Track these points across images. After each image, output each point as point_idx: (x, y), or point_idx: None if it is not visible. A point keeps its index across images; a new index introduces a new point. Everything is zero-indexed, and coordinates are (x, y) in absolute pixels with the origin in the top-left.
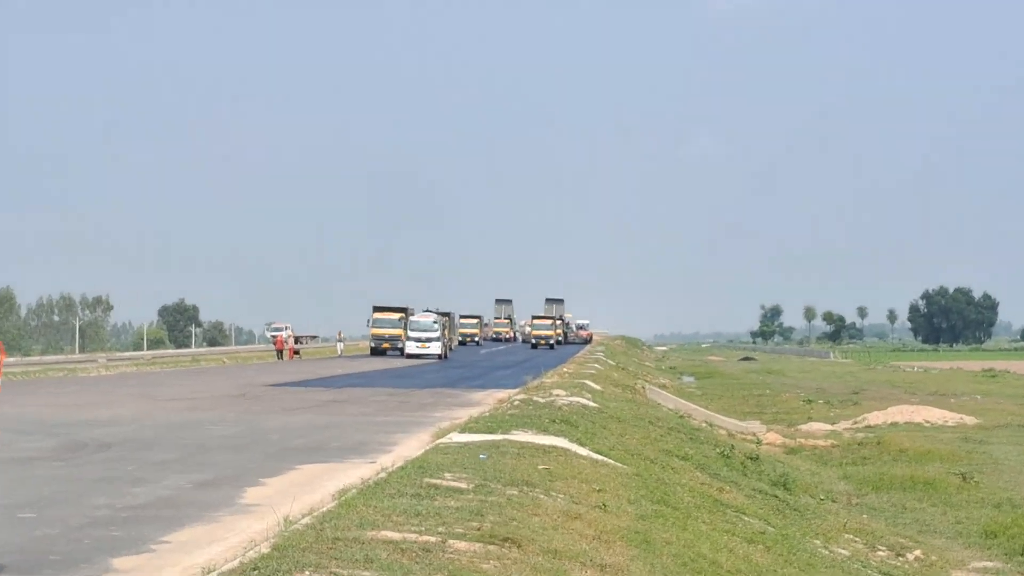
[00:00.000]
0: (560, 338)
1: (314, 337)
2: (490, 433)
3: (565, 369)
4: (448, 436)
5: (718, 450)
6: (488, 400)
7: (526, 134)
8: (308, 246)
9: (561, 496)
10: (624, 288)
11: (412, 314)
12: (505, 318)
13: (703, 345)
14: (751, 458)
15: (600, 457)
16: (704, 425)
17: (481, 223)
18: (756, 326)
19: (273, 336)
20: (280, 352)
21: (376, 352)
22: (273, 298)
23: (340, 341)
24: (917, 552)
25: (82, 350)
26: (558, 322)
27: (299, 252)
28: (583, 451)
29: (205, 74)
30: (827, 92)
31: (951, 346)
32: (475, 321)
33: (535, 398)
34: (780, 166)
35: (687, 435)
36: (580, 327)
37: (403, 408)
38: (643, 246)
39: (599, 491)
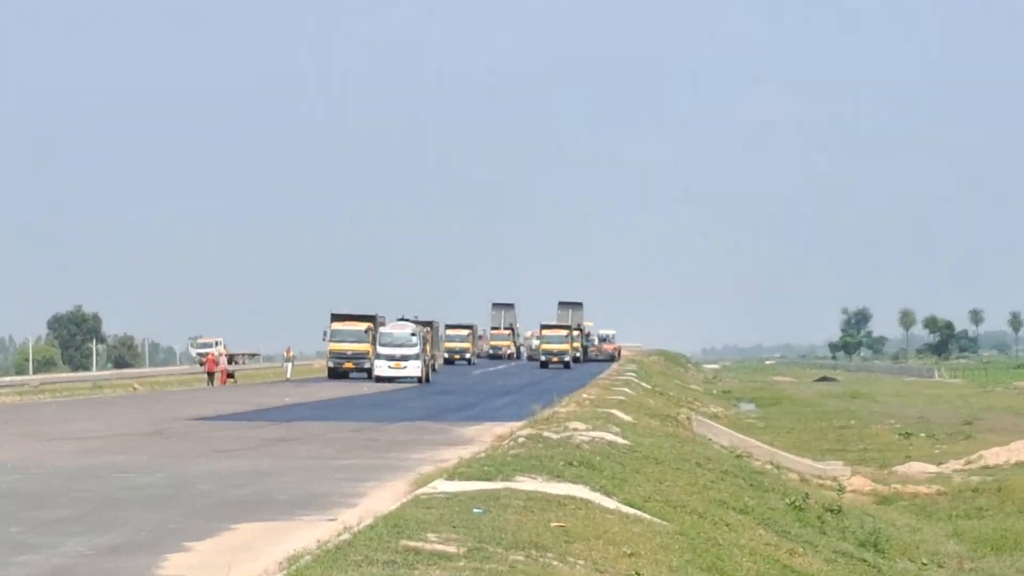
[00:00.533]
0: (578, 354)
1: (254, 355)
2: (487, 480)
3: (585, 395)
4: (432, 484)
5: (788, 500)
6: (483, 437)
7: (537, 99)
8: (247, 237)
9: (581, 563)
10: (661, 289)
11: (383, 324)
12: (505, 328)
13: (767, 362)
14: (831, 510)
15: (632, 511)
16: (769, 467)
17: (476, 206)
18: (836, 336)
19: (200, 355)
20: (210, 376)
21: (336, 374)
22: (200, 305)
23: (288, 361)
24: None
25: None
26: (575, 333)
27: (235, 246)
28: (610, 502)
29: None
30: (932, 35)
31: None
32: (466, 332)
33: (546, 433)
34: (864, 132)
35: (747, 480)
36: (604, 339)
37: (372, 448)
38: (685, 236)
39: (631, 555)
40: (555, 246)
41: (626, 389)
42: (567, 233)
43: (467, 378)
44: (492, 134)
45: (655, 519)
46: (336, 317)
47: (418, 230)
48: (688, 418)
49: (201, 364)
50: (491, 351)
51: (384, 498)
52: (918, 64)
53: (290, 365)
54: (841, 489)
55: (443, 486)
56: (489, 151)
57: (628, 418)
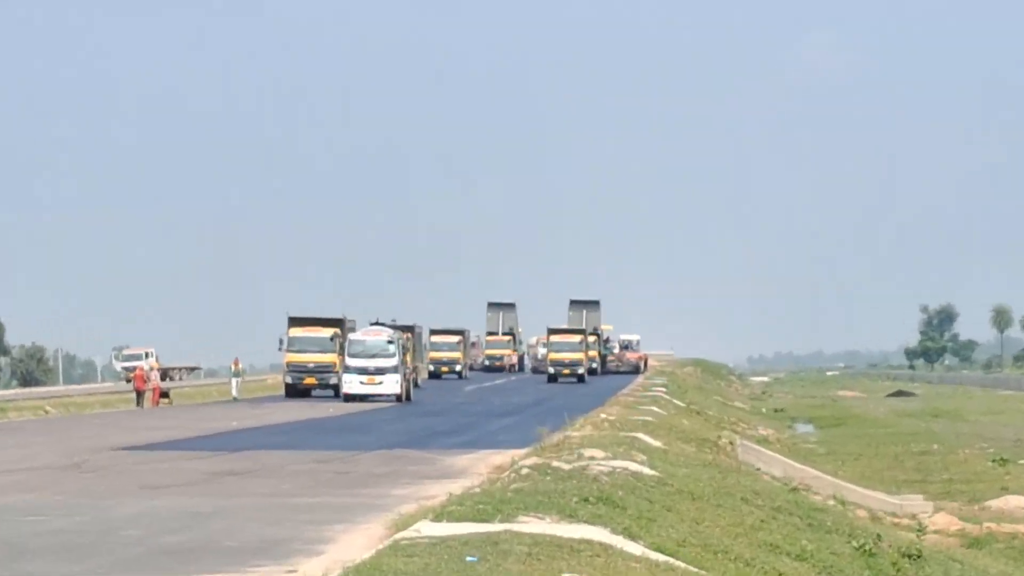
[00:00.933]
0: (594, 364)
1: (193, 369)
2: (483, 521)
3: (604, 415)
4: (415, 527)
5: (855, 543)
6: (478, 468)
7: (543, 69)
8: (185, 228)
9: None
10: (696, 286)
11: (352, 329)
12: (505, 333)
13: (829, 373)
14: (909, 555)
15: (662, 558)
16: (832, 503)
17: (466, 189)
18: (914, 340)
19: (127, 369)
20: (140, 395)
21: (295, 392)
22: (126, 309)
23: (236, 375)
24: None
25: None
26: (591, 339)
27: (170, 238)
28: (635, 548)
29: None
30: None
31: None
32: (455, 339)
33: (556, 463)
34: (943, 95)
35: (804, 519)
36: (626, 346)
37: (341, 483)
38: (725, 224)
39: None
40: (564, 235)
41: (654, 408)
42: (579, 220)
43: (457, 395)
44: (490, 110)
45: (691, 568)
46: (295, 321)
47: (394, 218)
48: (731, 443)
49: (128, 381)
50: (487, 362)
51: (356, 544)
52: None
53: (238, 381)
54: (921, 529)
55: (429, 529)
56: (487, 128)
57: (657, 443)
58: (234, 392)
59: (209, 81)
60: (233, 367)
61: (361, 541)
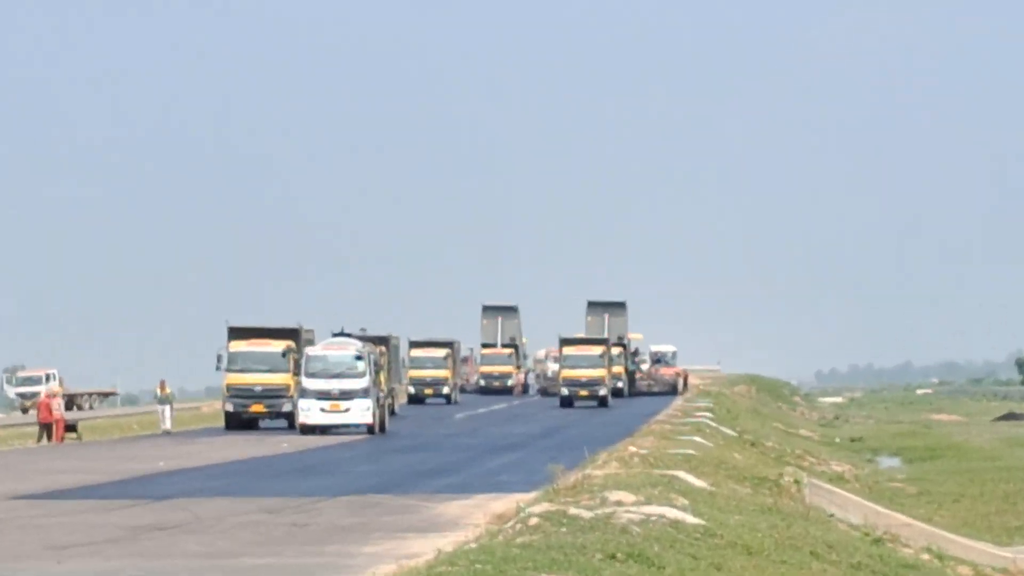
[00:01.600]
0: (620, 383)
1: (108, 395)
2: None
3: (634, 448)
4: None
5: None
6: (474, 517)
7: (552, 46)
8: (95, 217)
9: None
10: (746, 286)
11: (311, 342)
12: (505, 345)
13: (920, 391)
14: None
15: None
16: (926, 558)
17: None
18: None
19: (23, 396)
20: (45, 428)
21: (238, 422)
22: (19, 322)
23: (164, 402)
24: None
25: None
26: (615, 351)
27: (75, 229)
28: None
29: None
30: None
31: None
32: (442, 353)
33: (574, 510)
34: None
35: None
36: (660, 360)
37: (297, 539)
38: (780, 211)
39: None
40: (577, 221)
41: (698, 438)
42: (596, 204)
43: (446, 425)
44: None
45: None
46: (237, 333)
47: (361, 205)
48: (797, 482)
49: (24, 411)
50: (483, 381)
51: None
52: None
53: (167, 409)
54: None
55: None
56: (486, 104)
57: (702, 484)
58: (165, 424)
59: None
60: (159, 392)
61: None
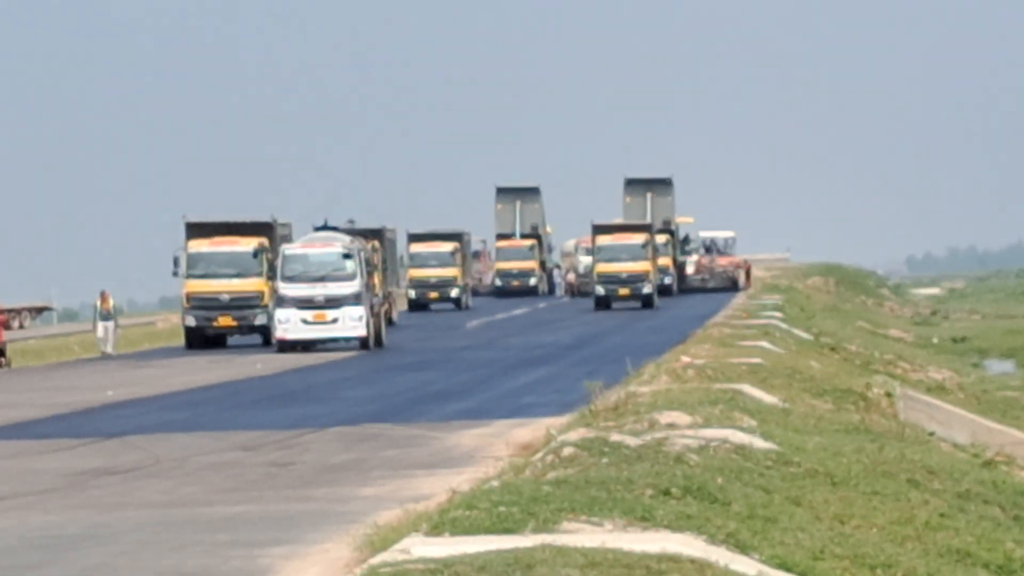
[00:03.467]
0: (668, 278)
1: (42, 310)
2: (506, 533)
3: (687, 358)
4: (400, 546)
5: None
6: (494, 448)
7: None
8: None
9: None
10: (818, 155)
11: (288, 238)
12: (525, 235)
13: None
14: None
15: None
16: None
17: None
18: None
19: None
20: None
21: (202, 340)
22: None
23: (106, 318)
24: None
25: None
26: (661, 240)
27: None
28: (747, 565)
29: None
30: None
31: None
32: (448, 248)
33: (616, 436)
34: None
35: (1008, 509)
36: (715, 249)
37: (279, 481)
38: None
39: None
40: (610, 87)
41: (765, 344)
42: (631, 65)
43: (456, 335)
44: None
45: None
46: (197, 230)
47: (345, 57)
48: (888, 395)
49: None
50: (499, 281)
51: None
52: None
53: (109, 326)
54: None
55: (422, 548)
56: None
57: (773, 400)
58: (106, 346)
59: None
60: (99, 305)
61: (316, 573)
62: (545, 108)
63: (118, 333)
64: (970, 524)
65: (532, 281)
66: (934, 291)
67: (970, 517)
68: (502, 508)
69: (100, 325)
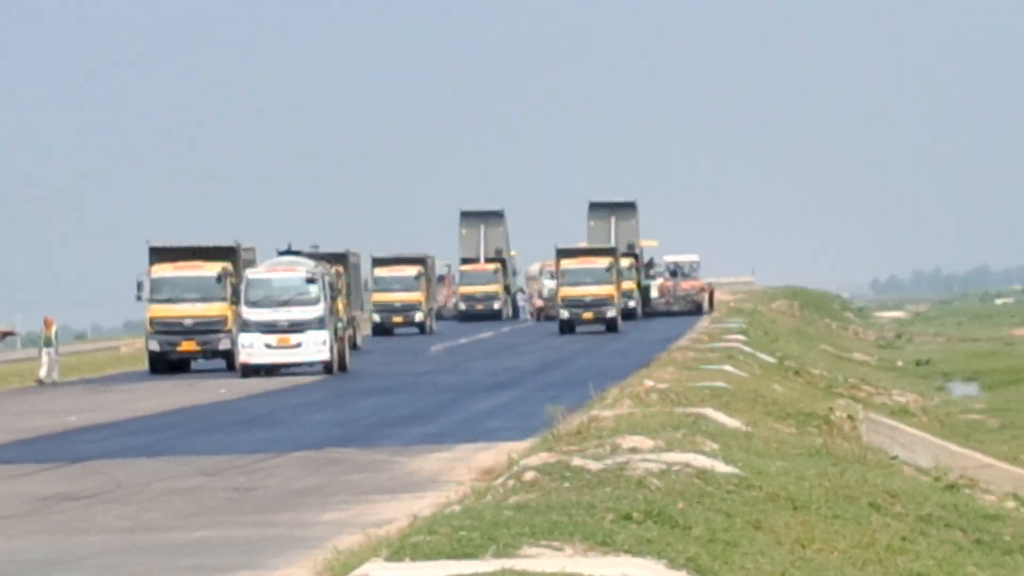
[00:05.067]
0: (632, 302)
1: (6, 335)
2: (467, 558)
3: (651, 381)
4: (361, 570)
5: None
6: (456, 472)
7: None
8: None
9: None
10: (784, 179)
11: (252, 263)
12: (489, 259)
13: (999, 301)
14: None
15: None
16: (1012, 506)
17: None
18: None
19: None
20: None
21: (165, 364)
22: None
23: (48, 344)
24: None
25: None
26: (624, 263)
27: None
28: None
29: None
30: None
31: None
32: (412, 272)
33: (578, 461)
34: None
35: (970, 532)
36: (677, 273)
37: (241, 506)
38: (831, 78)
39: None
40: (575, 111)
41: (728, 367)
42: (596, 89)
43: (419, 360)
44: None
45: None
46: (160, 254)
47: (312, 85)
48: (851, 418)
49: None
50: (463, 305)
51: None
52: None
53: (50, 353)
54: None
55: (383, 573)
56: None
57: (735, 423)
58: (42, 371)
59: None
60: (45, 330)
61: None
62: (509, 133)
63: (57, 360)
64: (932, 548)
65: (496, 305)
66: (898, 314)
67: (932, 541)
68: (463, 533)
69: (43, 353)
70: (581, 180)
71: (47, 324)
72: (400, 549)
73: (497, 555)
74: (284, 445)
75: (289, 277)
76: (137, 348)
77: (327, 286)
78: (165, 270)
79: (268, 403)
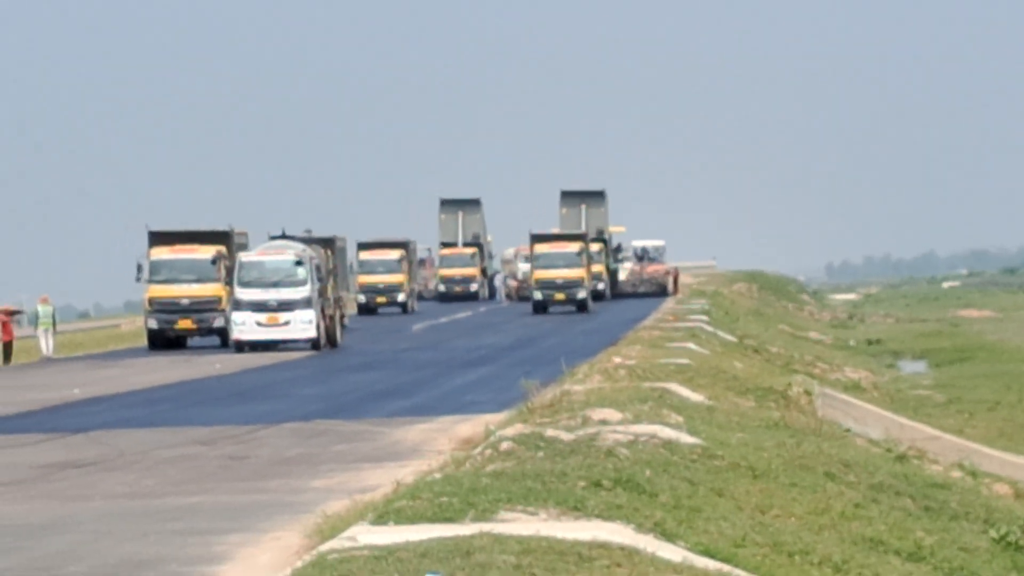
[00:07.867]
0: (601, 284)
1: (13, 313)
2: (447, 521)
3: (619, 358)
4: (348, 534)
5: (995, 532)
6: (437, 443)
7: None
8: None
9: None
10: (743, 170)
11: (244, 247)
12: (467, 244)
13: (946, 284)
14: None
15: (713, 565)
16: (958, 475)
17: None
18: None
19: None
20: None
21: (163, 341)
22: None
23: (46, 325)
24: None
25: None
26: (594, 248)
27: None
28: (672, 552)
29: None
30: None
31: None
32: (395, 255)
33: (551, 432)
34: None
35: (918, 500)
36: (644, 257)
37: (235, 473)
38: (784, 74)
39: None
40: (547, 104)
41: (692, 345)
42: (567, 83)
43: (402, 337)
44: None
45: None
46: (159, 238)
47: (300, 89)
48: (807, 393)
49: None
50: (443, 287)
51: (261, 564)
52: None
53: (46, 334)
54: None
55: (368, 536)
56: None
57: (699, 398)
58: (45, 347)
59: None
60: (40, 308)
61: (268, 559)
62: (486, 124)
63: (53, 337)
64: (883, 514)
65: (474, 287)
66: (851, 296)
67: (883, 508)
68: (443, 498)
69: (41, 331)
70: (554, 170)
71: (43, 303)
72: (385, 514)
73: (476, 519)
74: (275, 417)
75: (279, 260)
76: (137, 326)
77: (314, 268)
78: (163, 253)
79: (260, 377)
